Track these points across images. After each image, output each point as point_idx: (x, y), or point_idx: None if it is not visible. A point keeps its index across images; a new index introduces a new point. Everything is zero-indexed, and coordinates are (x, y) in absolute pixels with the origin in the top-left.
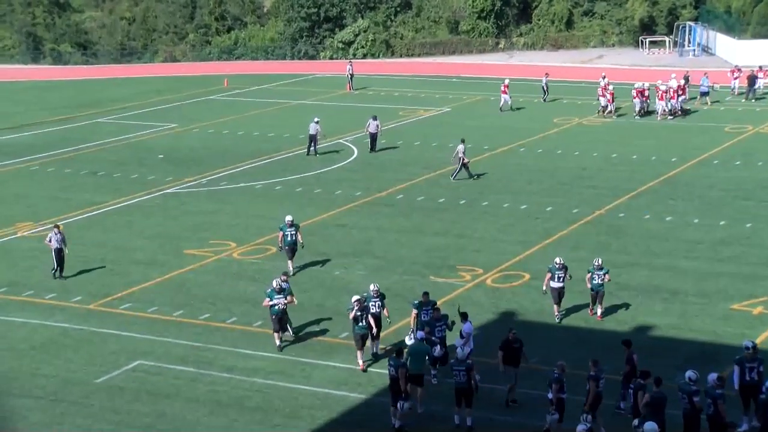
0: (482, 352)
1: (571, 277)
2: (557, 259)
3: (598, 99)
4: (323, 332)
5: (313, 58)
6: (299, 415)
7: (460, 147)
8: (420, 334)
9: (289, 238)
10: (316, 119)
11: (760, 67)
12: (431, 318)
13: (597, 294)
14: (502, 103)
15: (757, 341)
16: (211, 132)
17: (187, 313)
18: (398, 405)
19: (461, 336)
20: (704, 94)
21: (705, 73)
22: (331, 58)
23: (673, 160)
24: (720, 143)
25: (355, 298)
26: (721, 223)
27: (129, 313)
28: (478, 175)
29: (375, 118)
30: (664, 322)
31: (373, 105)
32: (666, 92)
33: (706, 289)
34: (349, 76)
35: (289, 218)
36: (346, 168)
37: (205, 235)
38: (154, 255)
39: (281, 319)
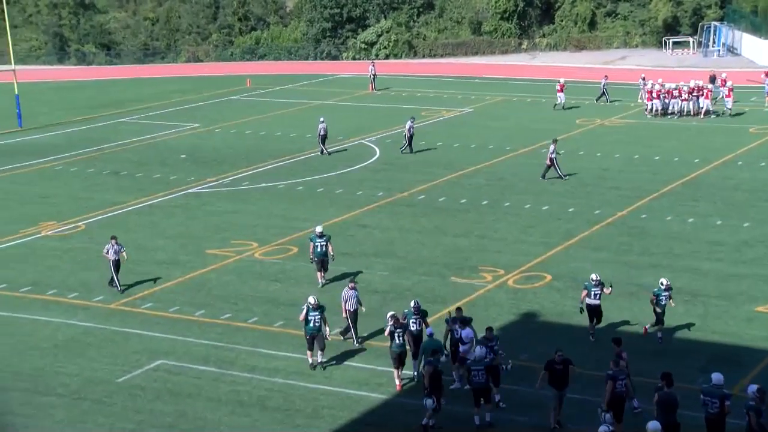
0: (516, 352)
1: (612, 289)
2: (593, 276)
3: (645, 101)
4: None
5: (335, 58)
6: (320, 415)
7: (551, 147)
8: (429, 330)
9: (318, 249)
10: (321, 119)
11: None
12: (484, 336)
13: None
14: (558, 101)
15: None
16: (234, 132)
17: (208, 313)
18: (426, 403)
19: (462, 342)
20: None
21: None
22: (353, 58)
23: (696, 161)
24: (744, 144)
25: (390, 314)
26: (745, 224)
27: (151, 312)
28: (568, 175)
29: (413, 119)
30: (687, 323)
31: (396, 105)
32: (651, 91)
33: (729, 290)
34: (372, 76)
35: (319, 229)
36: (368, 168)
37: (226, 235)
38: (176, 255)
39: (315, 338)
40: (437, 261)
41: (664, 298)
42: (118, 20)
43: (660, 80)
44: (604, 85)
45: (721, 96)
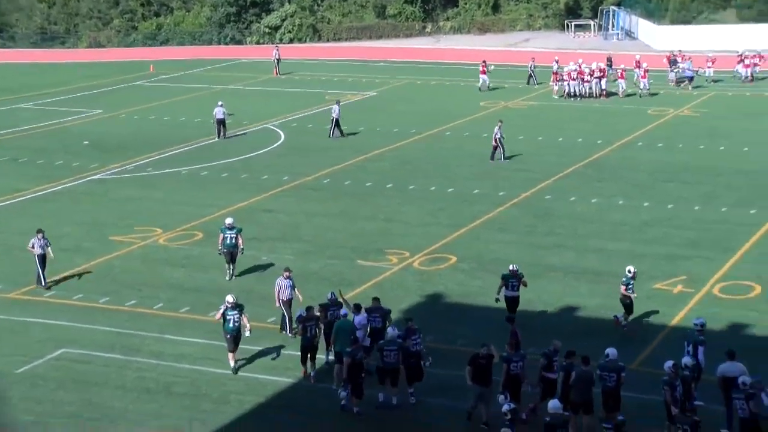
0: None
1: (526, 284)
2: (512, 267)
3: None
4: (251, 317)
5: (239, 43)
6: (228, 401)
7: (496, 128)
8: (344, 311)
9: (228, 241)
10: (220, 103)
11: (680, 51)
12: (406, 330)
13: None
14: (480, 83)
15: (676, 319)
16: (137, 118)
17: (113, 299)
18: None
19: (354, 332)
20: (690, 78)
21: (689, 58)
22: (257, 43)
23: (599, 142)
24: (643, 126)
25: (319, 304)
26: (645, 204)
27: (54, 300)
28: (509, 157)
29: (338, 103)
30: (591, 303)
31: (300, 89)
32: (557, 73)
33: None
34: (276, 60)
35: (229, 220)
36: (272, 153)
37: (131, 222)
38: (80, 242)
39: (236, 338)
40: (343, 244)
41: (632, 286)
42: (11, 1)
43: (580, 60)
44: (532, 68)
45: (636, 77)
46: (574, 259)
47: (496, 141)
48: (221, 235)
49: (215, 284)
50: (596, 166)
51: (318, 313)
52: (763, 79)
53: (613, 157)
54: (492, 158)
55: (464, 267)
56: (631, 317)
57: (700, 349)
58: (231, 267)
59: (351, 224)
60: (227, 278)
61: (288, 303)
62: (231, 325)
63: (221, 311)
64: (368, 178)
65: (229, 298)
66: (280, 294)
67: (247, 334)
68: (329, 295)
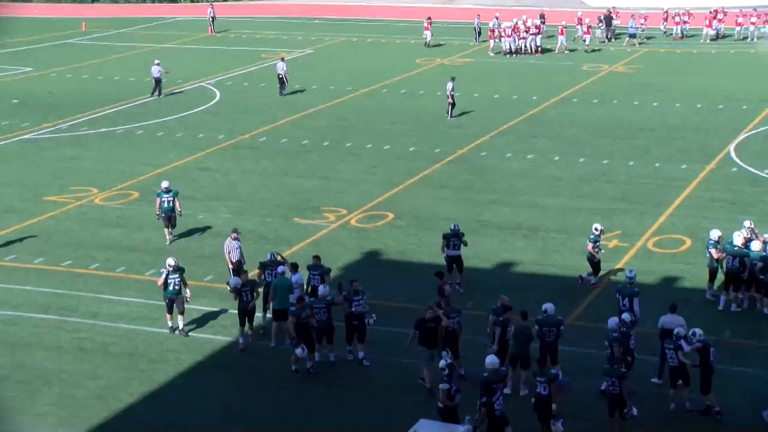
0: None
1: (466, 243)
2: (452, 226)
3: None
4: (186, 277)
5: (174, 1)
6: (165, 359)
7: (450, 85)
8: (281, 268)
9: (165, 205)
10: (157, 62)
11: (614, 8)
12: (350, 291)
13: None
14: (426, 39)
15: (612, 273)
16: (70, 77)
17: (48, 260)
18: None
19: (292, 290)
20: (632, 35)
21: (632, 16)
22: (192, 1)
23: (534, 98)
24: (578, 82)
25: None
26: (581, 160)
27: None
28: (463, 114)
29: (283, 60)
30: (526, 258)
31: (236, 48)
32: (494, 30)
33: (567, 224)
34: (211, 18)
35: (165, 184)
36: (208, 111)
37: (65, 182)
38: (12, 202)
39: (174, 302)
40: (280, 203)
41: (600, 244)
42: None
43: (524, 17)
44: (477, 25)
45: (580, 33)
46: (510, 215)
47: (451, 98)
48: (158, 200)
49: (151, 244)
50: (532, 122)
51: (251, 278)
52: (692, 36)
53: (549, 114)
54: (450, 116)
55: (401, 224)
56: (599, 275)
57: (635, 300)
58: (170, 231)
59: (287, 182)
60: (167, 243)
61: (238, 264)
62: (171, 288)
63: (163, 276)
64: (304, 136)
65: (170, 261)
66: (230, 256)
67: (188, 298)
68: (268, 256)
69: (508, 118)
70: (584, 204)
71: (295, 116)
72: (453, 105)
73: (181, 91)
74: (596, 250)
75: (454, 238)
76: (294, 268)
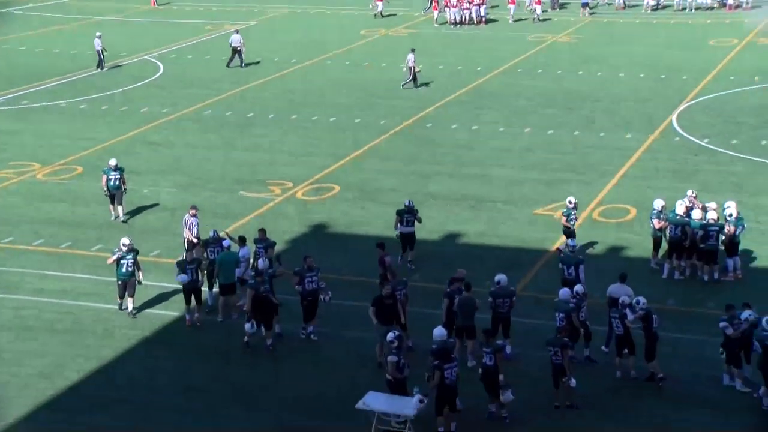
0: (295, 264)
1: (420, 220)
2: (406, 202)
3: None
4: None
5: None
6: (112, 335)
7: (410, 56)
8: (226, 242)
9: (112, 183)
10: (98, 34)
11: None
12: (303, 267)
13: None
14: (377, 9)
15: (558, 243)
16: (6, 48)
17: None
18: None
19: (239, 264)
20: (584, 5)
21: None
22: None
23: (479, 69)
24: (523, 52)
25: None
26: (526, 130)
27: None
28: (425, 84)
29: (237, 32)
30: (473, 229)
31: (179, 20)
32: (438, 1)
33: (513, 195)
34: None
35: (113, 162)
36: (152, 84)
37: (5, 156)
38: None
39: (126, 284)
40: (226, 176)
41: (573, 216)
42: None
43: None
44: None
45: (529, 4)
46: (456, 187)
47: (412, 70)
48: (104, 177)
49: (97, 219)
50: (477, 93)
51: (196, 257)
52: (634, 6)
53: (494, 84)
54: (417, 86)
55: (347, 196)
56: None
57: (581, 268)
58: (116, 209)
59: (233, 156)
60: (112, 218)
61: (195, 242)
62: (125, 270)
63: (115, 256)
64: (249, 108)
65: (125, 241)
66: (190, 231)
67: (140, 281)
68: (211, 233)
69: (454, 89)
70: (530, 174)
71: (240, 89)
72: (415, 77)
73: (124, 65)
74: (570, 222)
75: (407, 215)
76: (241, 241)
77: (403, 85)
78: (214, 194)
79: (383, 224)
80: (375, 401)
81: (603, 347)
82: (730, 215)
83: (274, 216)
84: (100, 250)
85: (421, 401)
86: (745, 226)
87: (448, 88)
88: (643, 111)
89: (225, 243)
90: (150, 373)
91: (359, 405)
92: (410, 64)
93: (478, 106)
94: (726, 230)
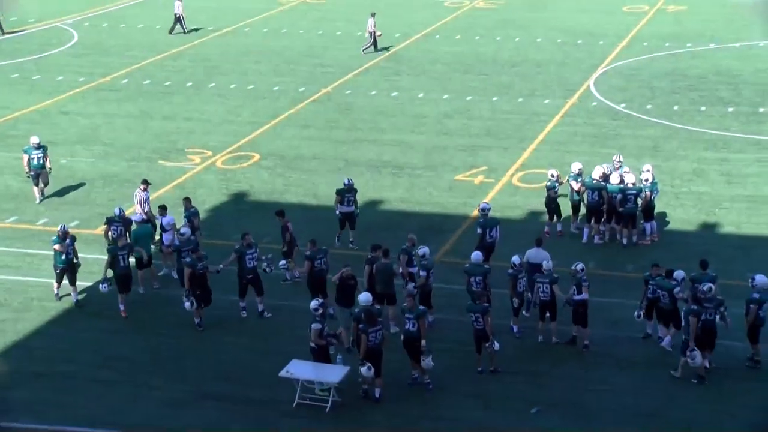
0: (216, 233)
1: (357, 213)
2: (346, 180)
3: None
4: (50, 223)
5: None
6: (30, 308)
7: (371, 21)
8: (138, 216)
9: (35, 162)
10: None
11: None
12: (242, 245)
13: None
14: None
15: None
16: None
17: None
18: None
19: (163, 230)
20: None
21: None
22: None
23: (397, 35)
24: (441, 18)
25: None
26: (445, 96)
27: None
28: (386, 48)
29: None
30: (393, 195)
31: None
32: None
33: (433, 161)
34: None
35: (35, 140)
36: (66, 53)
37: None
38: None
39: (65, 271)
40: (145, 146)
41: (557, 188)
42: None
43: None
44: None
45: None
46: (375, 153)
47: (372, 34)
48: (26, 156)
49: (11, 190)
50: (395, 59)
51: (129, 242)
52: None
53: (412, 50)
54: (377, 50)
55: (268, 164)
56: (560, 219)
57: (496, 228)
58: (41, 189)
59: (151, 125)
60: (37, 201)
61: (145, 216)
62: (64, 257)
63: (57, 245)
64: (167, 77)
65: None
66: (142, 207)
67: (79, 262)
68: (116, 211)
69: (372, 56)
70: (449, 140)
71: (157, 57)
72: (376, 42)
73: (34, 31)
74: (554, 193)
75: (348, 194)
76: (163, 210)
77: (363, 50)
78: (133, 164)
79: (303, 192)
80: (299, 369)
81: (524, 311)
82: (646, 180)
83: (194, 185)
84: (16, 221)
85: (369, 369)
86: (659, 190)
87: (367, 55)
88: (561, 76)
89: (136, 217)
90: (71, 344)
91: (283, 373)
92: (370, 29)
93: (396, 73)
94: (643, 195)
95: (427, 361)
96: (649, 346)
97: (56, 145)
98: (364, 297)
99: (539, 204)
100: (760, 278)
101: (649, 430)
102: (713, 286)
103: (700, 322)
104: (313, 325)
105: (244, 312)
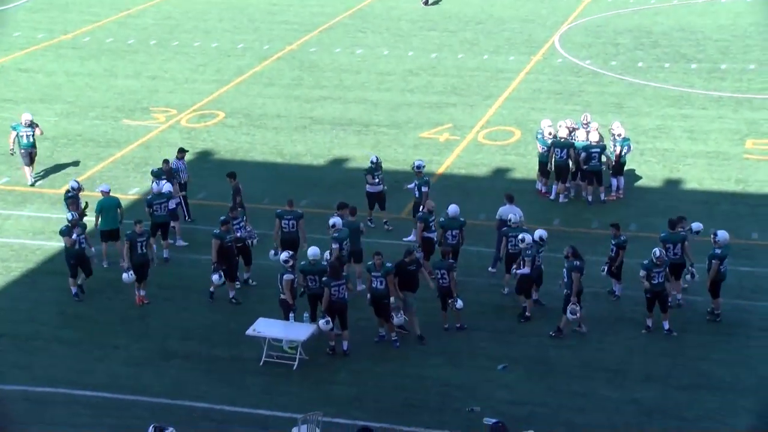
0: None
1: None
2: (373, 158)
3: None
4: (11, 182)
5: None
6: None
7: None
8: (104, 187)
9: (26, 141)
10: None
11: None
12: (228, 216)
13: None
14: None
15: (443, 167)
16: None
17: None
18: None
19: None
20: None
21: None
22: None
23: None
24: None
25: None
26: (410, 54)
27: None
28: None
29: None
30: (359, 153)
31: None
32: None
33: (398, 119)
34: None
35: (27, 117)
36: (24, 8)
37: None
38: None
39: (81, 262)
40: (108, 104)
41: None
42: None
43: None
44: None
45: None
46: (341, 111)
47: None
48: (13, 133)
49: None
50: (359, 16)
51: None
52: None
53: (376, 7)
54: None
55: (232, 123)
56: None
57: (424, 188)
58: (31, 169)
59: (115, 83)
60: (29, 183)
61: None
62: (77, 246)
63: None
64: (130, 35)
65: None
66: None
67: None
68: (71, 183)
69: (336, 13)
70: (414, 98)
71: (120, 15)
72: None
73: None
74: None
75: (377, 171)
76: (157, 176)
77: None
78: (96, 122)
79: (269, 150)
80: (265, 327)
81: (490, 268)
82: (619, 135)
83: (158, 143)
84: None
85: (328, 322)
86: (632, 146)
87: (331, 12)
88: (526, 33)
89: (103, 188)
90: (35, 304)
91: (249, 332)
92: None
93: (360, 30)
94: (612, 150)
95: (399, 318)
96: (612, 302)
97: (16, 104)
98: (312, 251)
99: (504, 160)
100: (722, 234)
101: (612, 384)
102: (660, 252)
103: (650, 285)
104: (285, 276)
105: (238, 284)
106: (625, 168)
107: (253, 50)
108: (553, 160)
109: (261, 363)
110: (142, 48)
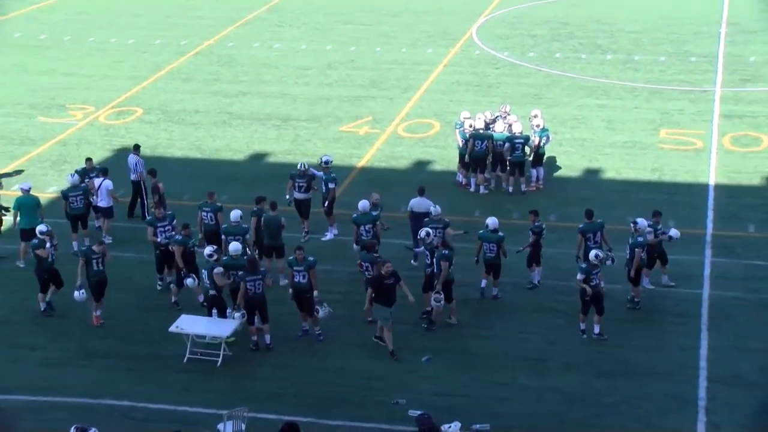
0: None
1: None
2: (300, 165)
3: None
4: None
5: None
6: None
7: None
8: (25, 185)
9: None
10: None
11: None
12: (154, 216)
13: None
14: None
15: (364, 160)
16: None
17: None
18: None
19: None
20: None
21: None
22: None
23: None
24: None
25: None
26: (328, 47)
27: None
28: None
29: None
30: (279, 148)
31: None
32: None
33: (317, 113)
34: None
35: None
36: None
37: None
38: None
39: (53, 275)
40: (21, 101)
41: (520, 146)
42: None
43: None
44: None
45: None
46: (259, 106)
47: None
48: None
49: None
50: (278, 10)
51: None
52: None
53: (294, 2)
54: None
55: (151, 119)
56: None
57: (331, 184)
58: None
59: (27, 79)
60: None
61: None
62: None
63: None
64: (42, 30)
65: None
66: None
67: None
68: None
69: (253, 7)
70: (333, 92)
71: (30, 8)
72: None
73: None
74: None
75: (299, 179)
76: (104, 173)
77: None
78: (10, 120)
79: (187, 145)
80: (188, 324)
81: (413, 261)
82: (537, 125)
83: (76, 141)
84: None
85: (243, 315)
86: (551, 137)
87: (247, 6)
88: (443, 25)
89: (25, 186)
90: None
91: (172, 329)
92: None
93: (278, 24)
94: (532, 141)
95: (324, 311)
96: (532, 292)
97: None
98: (234, 246)
99: (425, 153)
100: (641, 222)
101: (533, 372)
102: (600, 254)
103: (590, 289)
104: (215, 270)
105: (159, 285)
106: (545, 158)
107: (171, 46)
108: (472, 151)
109: (185, 360)
110: (56, 44)
